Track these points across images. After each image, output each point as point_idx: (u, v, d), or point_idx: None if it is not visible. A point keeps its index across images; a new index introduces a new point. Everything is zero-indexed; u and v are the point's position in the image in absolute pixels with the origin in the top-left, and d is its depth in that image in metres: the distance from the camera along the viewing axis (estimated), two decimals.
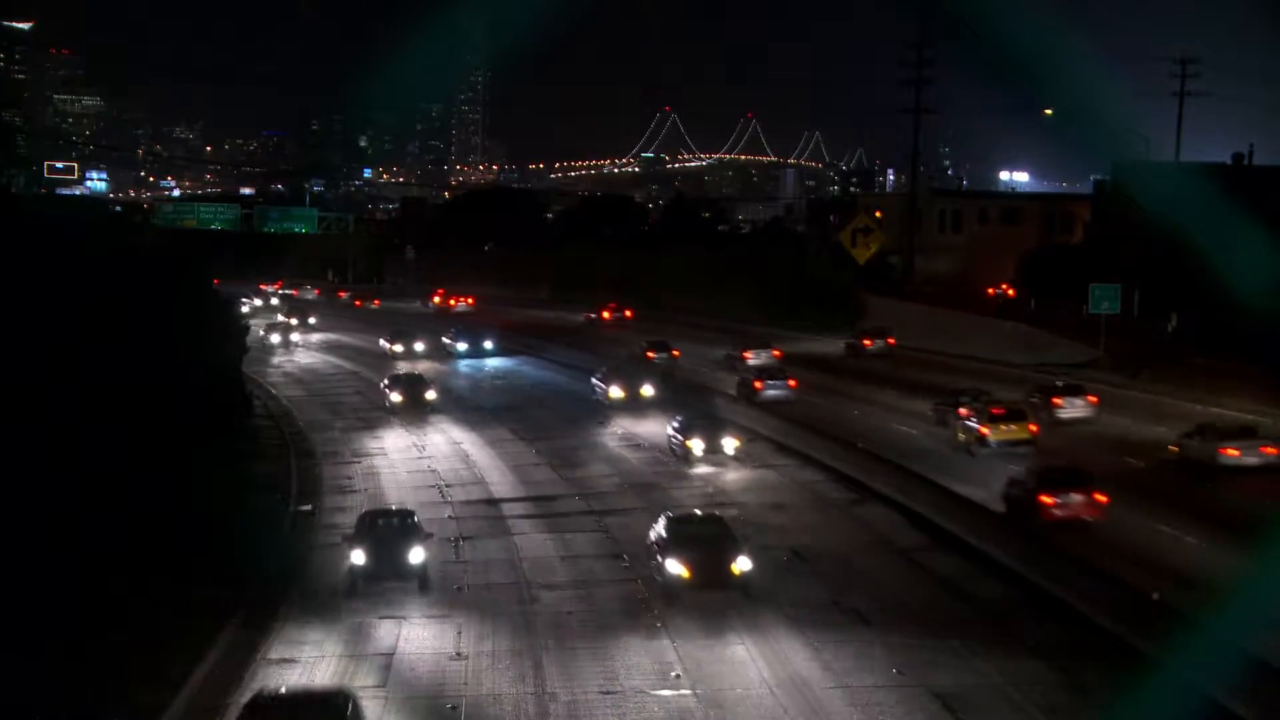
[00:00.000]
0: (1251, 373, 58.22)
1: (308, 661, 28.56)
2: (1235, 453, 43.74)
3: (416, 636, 30.24)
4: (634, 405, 61.59)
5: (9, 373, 30.37)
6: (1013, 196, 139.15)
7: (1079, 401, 54.80)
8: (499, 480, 48.56)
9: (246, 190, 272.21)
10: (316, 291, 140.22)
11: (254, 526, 36.87)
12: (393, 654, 29.00)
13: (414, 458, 53.27)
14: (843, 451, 47.81)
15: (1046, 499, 37.08)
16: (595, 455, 52.59)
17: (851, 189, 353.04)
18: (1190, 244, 54.74)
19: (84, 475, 30.19)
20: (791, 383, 63.07)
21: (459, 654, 29.01)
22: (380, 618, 31.41)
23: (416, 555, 33.60)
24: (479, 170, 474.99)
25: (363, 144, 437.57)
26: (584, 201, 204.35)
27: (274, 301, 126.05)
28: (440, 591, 33.57)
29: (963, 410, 51.29)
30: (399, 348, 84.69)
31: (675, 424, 51.05)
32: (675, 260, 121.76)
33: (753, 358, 72.81)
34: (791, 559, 36.16)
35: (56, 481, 29.29)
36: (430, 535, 35.41)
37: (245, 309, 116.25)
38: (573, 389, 68.93)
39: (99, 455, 31.09)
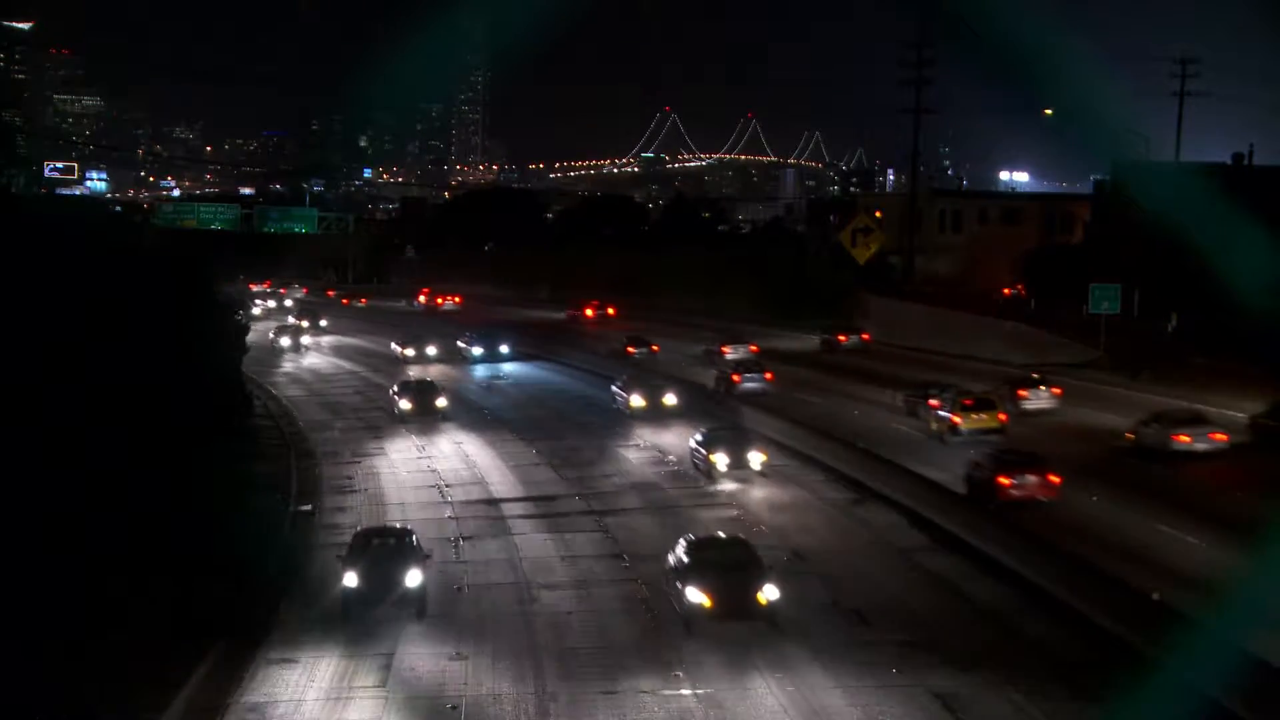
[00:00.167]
0: (1251, 373, 58.31)
1: (308, 661, 28.58)
2: (1186, 439, 46.40)
3: (416, 636, 30.27)
4: (656, 415, 58.39)
5: (9, 373, 30.36)
6: (1013, 196, 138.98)
7: (1043, 393, 57.12)
8: (509, 490, 46.34)
9: (246, 190, 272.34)
10: (304, 290, 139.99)
11: (254, 526, 36.84)
12: (392, 654, 28.98)
13: (421, 469, 50.75)
14: (881, 472, 44.03)
15: (1004, 480, 39.78)
16: (616, 471, 49.09)
17: (851, 189, 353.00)
18: (1190, 244, 54.78)
19: (84, 475, 30.18)
20: (768, 376, 65.41)
21: (458, 654, 29.06)
22: (380, 617, 31.29)
23: (414, 578, 31.31)
24: (479, 170, 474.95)
25: (363, 144, 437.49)
26: (584, 201, 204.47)
27: (288, 303, 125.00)
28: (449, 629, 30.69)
29: (932, 402, 53.54)
30: (410, 352, 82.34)
31: (698, 437, 47.94)
32: (675, 260, 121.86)
33: (730, 352, 75.32)
34: (818, 582, 33.75)
35: (56, 481, 29.28)
36: (429, 556, 33.30)
37: (257, 311, 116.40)
38: (592, 397, 65.90)
39: (99, 455, 31.08)
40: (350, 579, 31.33)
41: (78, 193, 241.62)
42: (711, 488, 45.29)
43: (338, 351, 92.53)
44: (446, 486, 47.17)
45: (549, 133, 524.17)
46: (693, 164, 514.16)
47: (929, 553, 36.65)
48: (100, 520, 29.55)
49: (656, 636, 29.75)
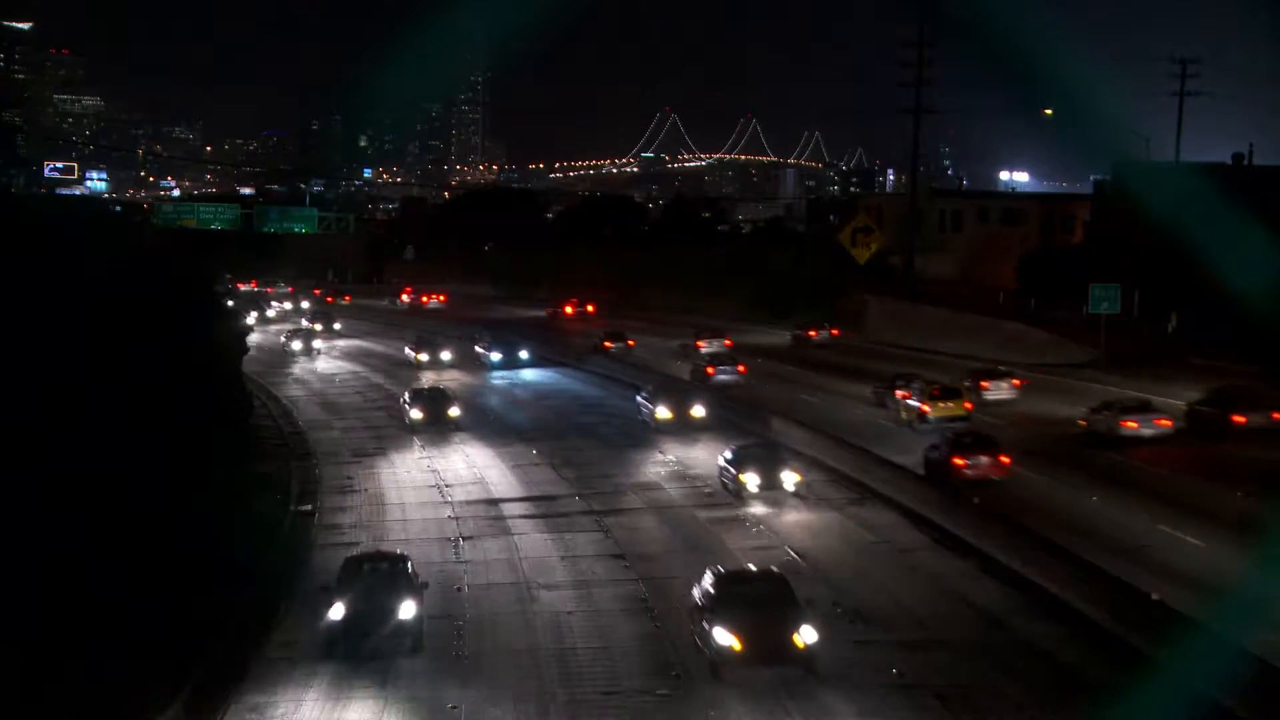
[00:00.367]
0: (1251, 373, 58.40)
1: (306, 667, 28.55)
2: (1134, 425, 49.30)
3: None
4: (683, 428, 54.96)
5: (9, 373, 30.35)
6: (1013, 196, 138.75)
7: (1004, 384, 60.31)
8: (520, 509, 43.80)
9: (246, 190, 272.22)
10: (291, 289, 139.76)
11: (254, 526, 36.87)
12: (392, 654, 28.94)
13: (425, 483, 47.92)
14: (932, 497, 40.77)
15: (959, 461, 42.72)
16: (640, 496, 44.78)
17: (851, 189, 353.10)
18: (1190, 244, 54.79)
19: (84, 475, 30.15)
20: (741, 368, 68.67)
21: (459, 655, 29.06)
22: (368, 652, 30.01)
23: (408, 609, 28.57)
24: (479, 170, 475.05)
25: (363, 144, 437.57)
26: (584, 201, 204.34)
27: (304, 305, 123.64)
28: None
29: (899, 392, 56.67)
30: (424, 357, 79.78)
31: (728, 455, 44.50)
32: (674, 260, 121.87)
33: (705, 346, 78.71)
34: (855, 619, 30.64)
35: (55, 481, 29.26)
36: (426, 585, 30.46)
37: (271, 313, 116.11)
38: (615, 407, 62.73)
39: (99, 455, 31.06)
40: (337, 611, 28.53)
41: (78, 193, 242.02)
42: (741, 510, 41.88)
43: (350, 356, 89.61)
44: (457, 519, 42.14)
45: (549, 133, 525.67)
46: (692, 164, 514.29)
47: (1025, 618, 31.03)
48: (100, 520, 29.53)
49: (680, 683, 26.97)
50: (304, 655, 28.89)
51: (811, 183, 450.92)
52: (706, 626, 26.87)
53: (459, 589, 34.00)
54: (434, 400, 59.23)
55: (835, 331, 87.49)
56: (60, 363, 32.02)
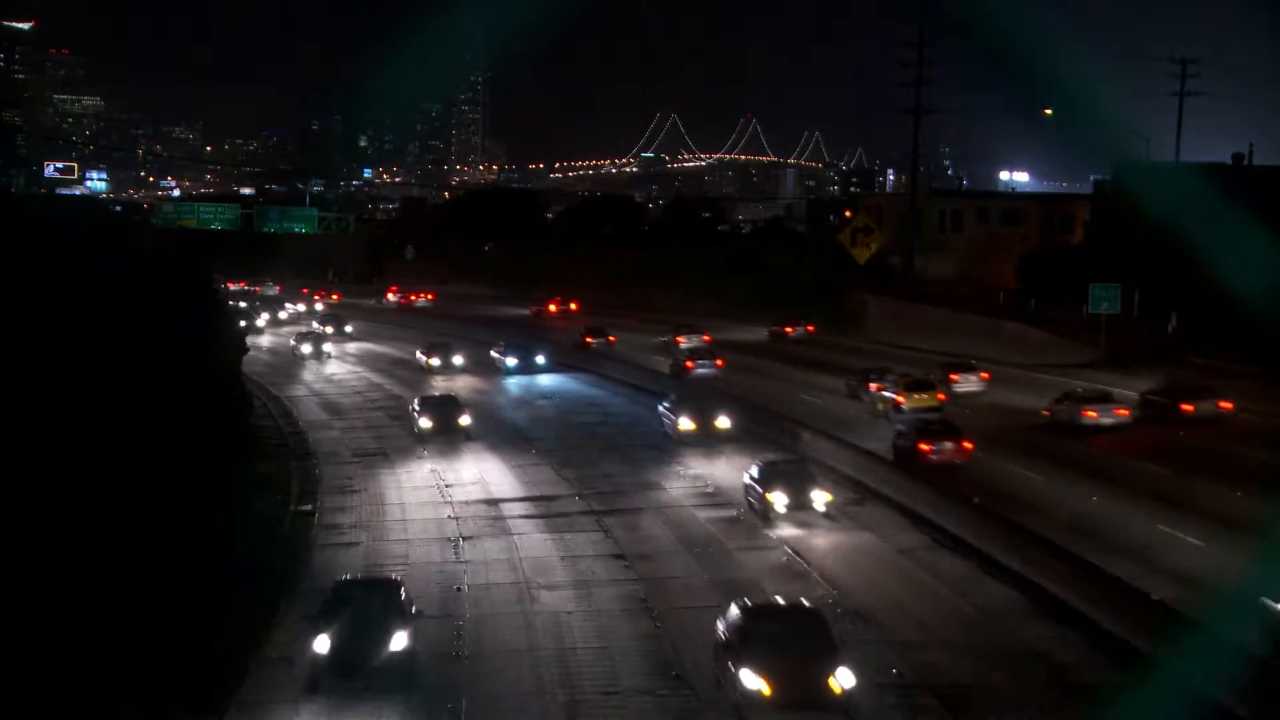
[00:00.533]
0: (1251, 372, 58.42)
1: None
2: (1093, 414, 51.93)
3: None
4: (707, 440, 52.04)
5: (9, 373, 30.36)
6: (1013, 196, 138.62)
7: (972, 377, 62.99)
8: (523, 509, 42.95)
9: (246, 190, 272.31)
10: (279, 288, 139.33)
11: (254, 526, 36.87)
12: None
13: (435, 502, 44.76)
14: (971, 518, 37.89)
15: (924, 446, 45.33)
16: (660, 517, 41.52)
17: (851, 189, 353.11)
18: (1190, 244, 54.83)
19: (84, 475, 30.17)
20: (719, 362, 71.70)
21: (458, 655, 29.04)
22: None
23: (399, 641, 26.64)
24: (479, 170, 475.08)
25: (363, 144, 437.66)
26: (584, 201, 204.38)
27: (319, 307, 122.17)
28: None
29: (871, 385, 59.82)
30: (436, 361, 77.08)
31: (754, 472, 41.31)
32: (674, 260, 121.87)
33: (685, 342, 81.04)
34: (856, 620, 29.09)
35: (55, 481, 29.27)
36: (420, 613, 28.35)
37: (284, 315, 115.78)
38: (636, 416, 60.03)
39: (99, 455, 31.08)
40: (322, 643, 26.42)
41: (78, 193, 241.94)
42: (768, 533, 38.83)
43: (363, 361, 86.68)
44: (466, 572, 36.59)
45: (549, 133, 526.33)
46: (692, 164, 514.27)
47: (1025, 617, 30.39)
48: (99, 520, 29.54)
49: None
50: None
51: (811, 183, 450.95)
52: (732, 668, 24.50)
53: (458, 588, 34.04)
54: (444, 408, 56.33)
55: (811, 328, 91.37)
56: (60, 363, 32.03)
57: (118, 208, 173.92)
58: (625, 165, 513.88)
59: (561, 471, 48.64)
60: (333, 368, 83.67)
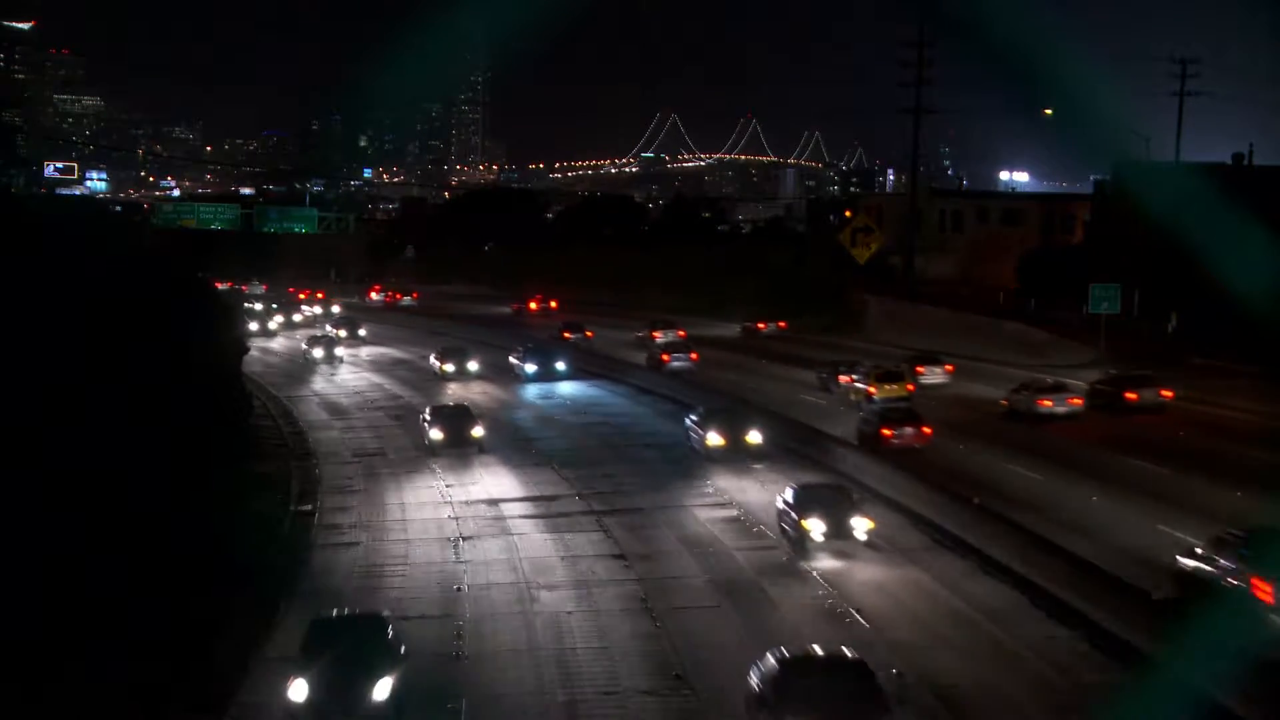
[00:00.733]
0: (1251, 372, 58.40)
1: None
2: (1049, 403, 54.82)
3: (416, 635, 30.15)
4: (737, 456, 48.29)
5: (9, 373, 30.36)
6: (1013, 196, 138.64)
7: (938, 370, 65.89)
8: (524, 513, 41.68)
9: (246, 190, 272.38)
10: (265, 287, 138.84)
11: (254, 526, 36.86)
12: None
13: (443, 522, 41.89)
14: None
15: (887, 432, 48.51)
16: (690, 548, 37.74)
17: (851, 189, 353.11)
18: (1190, 244, 54.87)
19: (84, 475, 30.17)
20: (694, 356, 74.27)
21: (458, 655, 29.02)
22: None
23: (383, 689, 24.27)
24: (479, 170, 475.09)
25: (363, 144, 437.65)
26: (584, 201, 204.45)
27: (335, 310, 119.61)
28: None
29: (841, 377, 62.59)
30: (450, 367, 74.48)
31: (788, 496, 37.54)
32: (674, 260, 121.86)
33: (660, 337, 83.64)
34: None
35: (55, 481, 29.28)
36: (408, 655, 25.79)
37: (298, 318, 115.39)
38: (659, 429, 56.74)
39: (99, 455, 31.07)
40: (299, 690, 24.05)
41: (77, 193, 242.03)
42: (804, 565, 35.29)
43: (377, 366, 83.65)
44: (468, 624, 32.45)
45: (549, 133, 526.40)
46: (692, 164, 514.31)
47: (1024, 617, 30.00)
48: (99, 521, 29.55)
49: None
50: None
51: (811, 183, 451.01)
52: None
53: (458, 588, 33.99)
54: (456, 419, 53.08)
55: (783, 325, 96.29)
56: (60, 363, 32.03)
57: (117, 208, 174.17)
58: (625, 165, 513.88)
59: (592, 506, 43.13)
60: (351, 377, 79.29)
